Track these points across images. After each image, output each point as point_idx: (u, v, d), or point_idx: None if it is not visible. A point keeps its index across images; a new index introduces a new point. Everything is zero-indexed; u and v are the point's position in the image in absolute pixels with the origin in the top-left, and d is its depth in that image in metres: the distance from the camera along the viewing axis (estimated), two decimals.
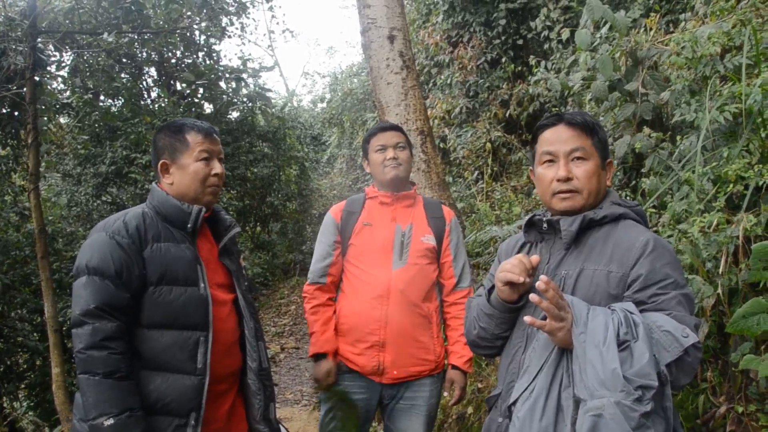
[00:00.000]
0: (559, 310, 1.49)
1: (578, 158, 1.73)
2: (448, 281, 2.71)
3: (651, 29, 4.08)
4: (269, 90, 11.58)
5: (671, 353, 1.46)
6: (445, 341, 2.76)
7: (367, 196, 2.76)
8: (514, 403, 1.61)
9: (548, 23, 6.91)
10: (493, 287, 1.79)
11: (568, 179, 1.72)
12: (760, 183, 2.54)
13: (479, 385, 4.17)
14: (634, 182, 3.87)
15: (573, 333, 1.48)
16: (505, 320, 1.76)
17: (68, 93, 8.23)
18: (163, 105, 9.37)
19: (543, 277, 1.47)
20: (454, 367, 2.67)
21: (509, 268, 1.64)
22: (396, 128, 2.78)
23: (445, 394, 2.73)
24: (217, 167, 2.13)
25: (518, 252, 1.87)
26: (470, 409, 4.04)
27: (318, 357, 2.64)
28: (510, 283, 1.65)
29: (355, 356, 2.59)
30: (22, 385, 7.21)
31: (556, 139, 1.76)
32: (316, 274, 2.73)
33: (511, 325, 1.78)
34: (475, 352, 2.01)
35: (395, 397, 2.61)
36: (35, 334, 6.92)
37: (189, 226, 2.06)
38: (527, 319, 1.53)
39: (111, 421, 1.79)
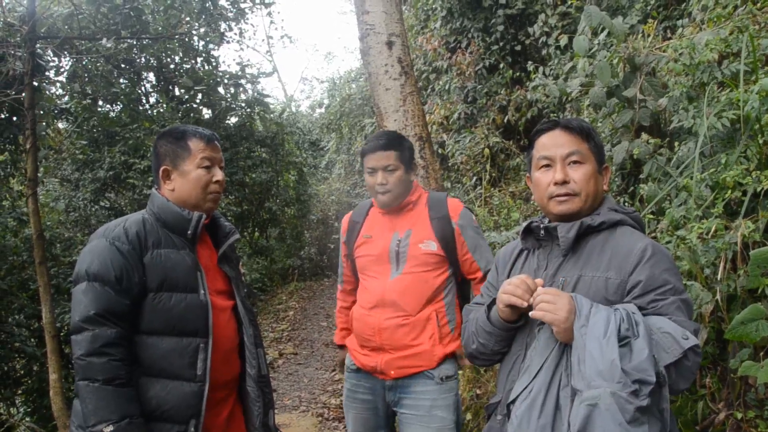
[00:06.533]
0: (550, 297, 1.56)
1: (575, 162, 1.73)
2: (474, 274, 2.60)
3: (649, 35, 4.09)
4: (268, 96, 11.61)
5: (671, 354, 1.47)
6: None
7: (372, 203, 2.75)
8: (513, 401, 1.62)
9: (546, 29, 6.93)
10: (492, 303, 1.78)
11: (565, 182, 1.72)
12: (758, 189, 2.54)
13: (477, 392, 4.17)
14: (632, 188, 3.88)
15: (574, 326, 1.50)
16: (504, 338, 1.77)
17: (67, 98, 8.25)
18: (161, 110, 9.38)
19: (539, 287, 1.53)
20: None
21: (512, 290, 1.63)
22: (388, 146, 2.55)
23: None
24: (219, 174, 2.13)
25: (516, 259, 1.88)
26: (469, 416, 4.03)
27: (339, 346, 2.96)
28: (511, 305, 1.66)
29: (361, 356, 2.67)
30: (20, 391, 7.20)
31: (552, 143, 1.76)
32: (339, 277, 2.98)
33: (511, 341, 1.78)
34: (473, 362, 2.01)
35: (398, 403, 2.59)
36: (33, 340, 6.90)
37: (189, 232, 2.06)
38: (533, 313, 1.58)
39: (110, 428, 1.79)
